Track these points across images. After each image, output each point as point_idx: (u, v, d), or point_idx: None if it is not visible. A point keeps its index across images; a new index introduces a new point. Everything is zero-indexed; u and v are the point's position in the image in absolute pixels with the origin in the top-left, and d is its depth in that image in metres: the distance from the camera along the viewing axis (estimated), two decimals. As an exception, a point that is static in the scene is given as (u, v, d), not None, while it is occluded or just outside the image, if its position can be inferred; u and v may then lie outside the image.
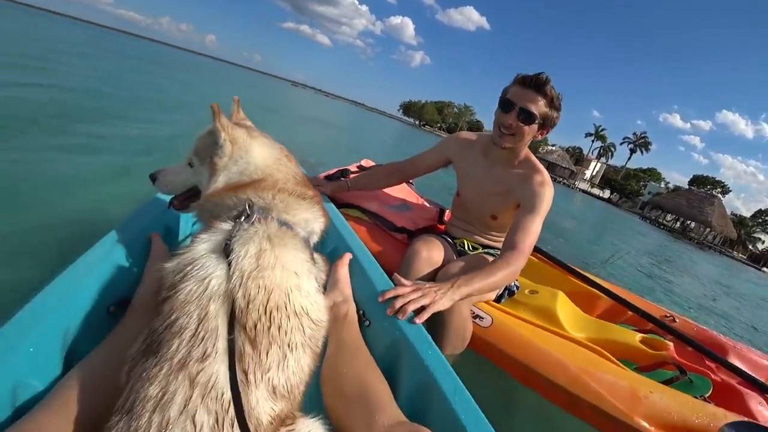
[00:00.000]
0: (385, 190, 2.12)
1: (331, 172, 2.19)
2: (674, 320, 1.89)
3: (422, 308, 1.01)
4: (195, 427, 0.48)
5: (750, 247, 61.55)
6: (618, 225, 20.86)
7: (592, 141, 73.09)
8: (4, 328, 0.65)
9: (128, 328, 0.76)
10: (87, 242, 0.96)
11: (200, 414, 0.49)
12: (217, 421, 0.50)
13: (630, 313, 1.89)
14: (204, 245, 0.67)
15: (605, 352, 1.40)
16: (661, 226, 47.07)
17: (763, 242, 62.70)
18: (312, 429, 0.61)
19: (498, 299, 1.66)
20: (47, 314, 0.71)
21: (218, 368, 0.54)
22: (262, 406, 0.55)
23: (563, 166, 62.89)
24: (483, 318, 1.44)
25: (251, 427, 0.51)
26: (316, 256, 0.83)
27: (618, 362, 1.38)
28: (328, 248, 1.28)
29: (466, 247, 1.73)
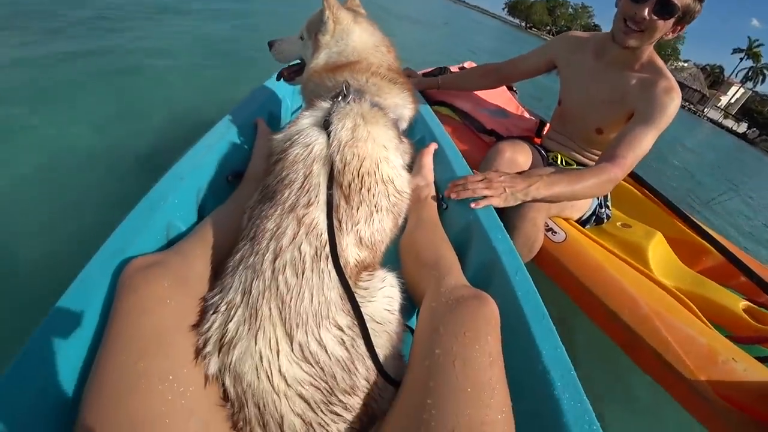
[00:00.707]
0: (483, 94, 2.03)
1: (430, 69, 2.16)
2: None
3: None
4: (300, 254, 0.62)
5: None
6: (749, 168, 15.78)
7: (741, 59, 59.25)
8: (156, 185, 0.83)
9: (243, 192, 0.93)
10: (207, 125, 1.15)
11: (304, 246, 0.63)
12: (316, 253, 0.63)
13: (743, 278, 1.53)
14: (307, 120, 0.79)
15: (692, 305, 1.23)
16: None
17: None
18: (387, 277, 0.73)
19: (583, 223, 1.53)
20: (184, 178, 0.89)
21: (319, 215, 0.67)
22: (350, 250, 0.68)
23: (693, 88, 52.97)
24: (556, 233, 1.36)
25: (341, 262, 0.65)
26: (403, 138, 0.92)
27: (705, 320, 1.20)
28: (415, 137, 1.36)
29: (559, 162, 1.59)
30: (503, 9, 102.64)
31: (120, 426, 0.47)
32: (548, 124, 1.83)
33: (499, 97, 2.11)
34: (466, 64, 2.37)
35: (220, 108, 1.34)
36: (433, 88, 1.89)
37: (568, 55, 1.53)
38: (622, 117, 1.36)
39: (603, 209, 1.55)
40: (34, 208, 1.50)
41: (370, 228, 0.72)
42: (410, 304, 0.77)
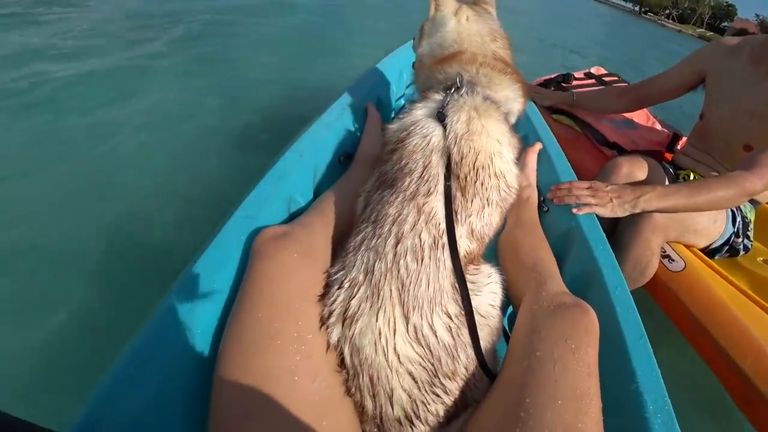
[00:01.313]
0: None
1: (552, 76, 2.10)
2: None
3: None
4: (420, 242, 0.66)
5: None
6: None
7: None
8: (279, 160, 0.92)
9: (354, 173, 1.00)
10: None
11: (424, 233, 0.66)
12: (434, 241, 0.66)
13: None
14: (422, 111, 0.81)
15: None
16: None
17: None
18: (493, 273, 0.76)
19: (711, 253, 1.35)
20: (304, 155, 0.97)
21: (437, 204, 0.70)
22: (463, 240, 0.71)
23: None
24: (674, 261, 1.21)
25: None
26: (513, 132, 0.91)
27: None
28: (520, 133, 1.33)
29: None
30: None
31: (255, 376, 0.54)
32: (683, 139, 1.68)
33: None
34: (593, 70, 2.23)
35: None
36: (566, 104, 1.75)
37: (719, 63, 1.36)
38: None
39: (740, 239, 1.33)
40: (165, 174, 1.75)
41: (481, 221, 0.73)
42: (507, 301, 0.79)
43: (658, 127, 1.93)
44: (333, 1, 6.27)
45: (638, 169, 1.35)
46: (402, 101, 1.73)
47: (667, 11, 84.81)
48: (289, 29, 4.27)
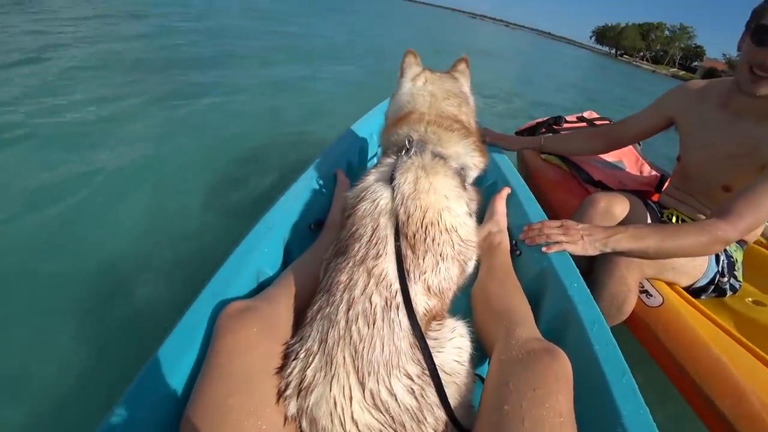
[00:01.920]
0: None
1: (544, 119, 2.12)
2: None
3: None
4: (371, 305, 0.66)
5: None
6: None
7: None
8: (249, 235, 0.95)
9: (323, 241, 1.01)
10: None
11: (375, 296, 0.67)
12: (386, 303, 0.67)
13: None
14: (373, 176, 0.85)
15: None
16: None
17: None
18: (457, 327, 0.75)
19: (696, 292, 1.31)
20: (273, 228, 1.00)
21: (388, 266, 0.70)
22: (419, 299, 0.71)
23: None
24: (652, 296, 1.20)
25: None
26: (468, 186, 0.94)
27: None
28: (487, 182, 1.39)
29: (675, 220, 1.40)
30: (590, 38, 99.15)
31: None
32: (669, 180, 1.67)
33: None
34: (585, 114, 2.23)
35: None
36: (533, 147, 1.75)
37: (688, 108, 1.37)
38: (754, 170, 1.19)
39: (726, 278, 1.29)
40: (138, 232, 1.73)
41: (437, 276, 0.74)
42: (482, 353, 0.78)
43: (647, 168, 1.95)
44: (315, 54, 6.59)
45: (617, 205, 1.32)
46: (375, 162, 1.79)
47: (641, 53, 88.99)
48: (272, 83, 4.42)
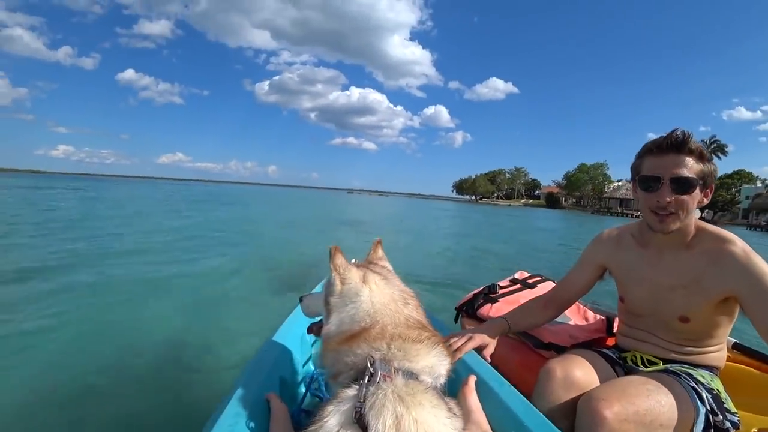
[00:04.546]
0: None
1: (478, 290, 2.08)
2: None
3: None
4: None
5: None
6: None
7: None
8: None
9: None
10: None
11: None
12: None
13: None
14: (334, 419, 0.65)
15: None
16: None
17: None
18: None
19: None
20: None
21: None
22: None
23: (631, 198, 60.86)
24: None
25: None
26: (450, 403, 0.77)
27: None
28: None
29: (639, 362, 1.34)
30: (452, 191, 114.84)
31: None
32: (617, 320, 1.61)
33: None
34: (517, 275, 2.26)
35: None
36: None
37: (613, 253, 1.42)
38: (710, 301, 1.19)
39: (720, 416, 1.14)
40: None
41: None
42: None
43: (591, 314, 1.91)
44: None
45: (575, 369, 1.22)
46: (311, 366, 1.51)
47: (495, 194, 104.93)
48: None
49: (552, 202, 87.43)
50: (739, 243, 1.17)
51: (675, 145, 1.16)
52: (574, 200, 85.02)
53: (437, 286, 5.05)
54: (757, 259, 1.12)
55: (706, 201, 1.21)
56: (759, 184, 64.39)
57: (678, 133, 1.16)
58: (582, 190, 79.10)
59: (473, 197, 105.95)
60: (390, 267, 1.06)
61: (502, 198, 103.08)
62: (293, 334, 1.46)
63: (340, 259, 0.90)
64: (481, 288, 2.10)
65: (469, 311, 2.00)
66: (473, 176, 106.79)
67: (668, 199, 1.15)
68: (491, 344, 1.36)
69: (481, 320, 1.85)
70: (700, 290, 1.19)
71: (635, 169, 1.25)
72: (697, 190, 1.17)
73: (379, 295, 0.89)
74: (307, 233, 9.44)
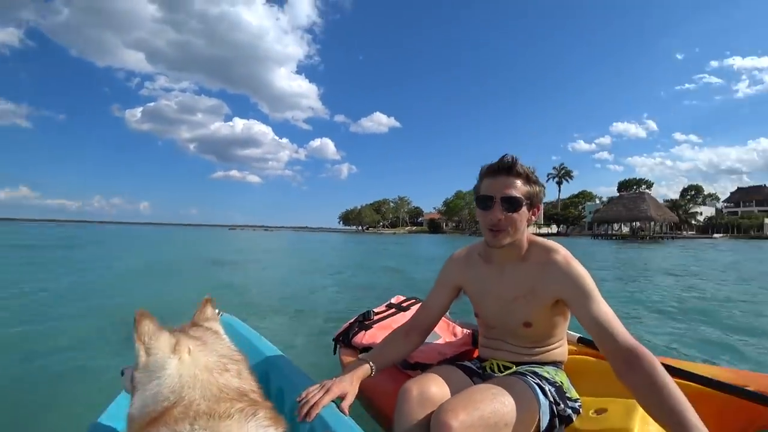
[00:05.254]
0: None
1: (352, 320, 2.07)
2: None
3: None
4: None
5: (693, 222, 67.90)
6: (575, 251, 21.51)
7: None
8: None
9: None
10: None
11: None
12: None
13: None
14: None
15: None
16: (613, 237, 51.95)
17: (701, 213, 69.88)
18: None
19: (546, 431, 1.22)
20: None
21: None
22: None
23: None
24: None
25: None
26: None
27: None
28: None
29: (496, 369, 1.44)
30: (339, 222, 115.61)
31: None
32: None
33: None
34: (393, 300, 2.30)
35: None
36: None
37: (465, 273, 1.53)
38: (546, 305, 1.35)
39: (562, 406, 1.27)
40: None
41: None
42: None
43: (459, 329, 1.97)
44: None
45: (430, 384, 1.25)
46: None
47: (381, 223, 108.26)
48: None
49: (434, 227, 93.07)
50: (561, 252, 1.33)
51: (505, 168, 1.29)
52: (453, 224, 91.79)
53: (319, 318, 4.88)
54: (576, 265, 1.29)
55: (534, 219, 1.35)
56: (597, 201, 79.64)
57: (507, 158, 1.30)
58: (460, 215, 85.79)
59: (360, 227, 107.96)
60: (218, 328, 0.96)
61: (387, 227, 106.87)
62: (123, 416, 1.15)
63: (146, 326, 0.79)
64: (356, 316, 2.09)
65: (345, 341, 1.99)
66: (359, 207, 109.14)
67: (499, 216, 1.28)
68: (351, 392, 1.28)
69: (356, 349, 1.89)
70: (536, 297, 1.34)
71: (476, 190, 1.37)
72: (525, 209, 1.30)
73: (189, 365, 0.79)
74: (173, 278, 8.48)
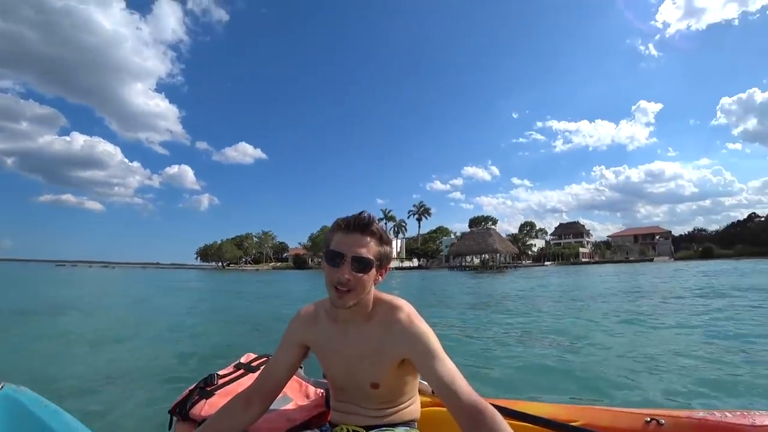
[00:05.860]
0: None
1: (192, 386, 1.69)
2: (660, 424, 1.33)
3: None
4: None
5: (529, 252, 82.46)
6: (433, 283, 24.27)
7: (385, 223, 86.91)
8: None
9: None
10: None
11: None
12: None
13: None
14: None
15: None
16: (466, 268, 58.07)
17: (534, 245, 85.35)
18: None
19: None
20: None
21: None
22: None
23: None
24: None
25: None
26: None
27: None
28: None
29: None
30: (196, 258, 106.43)
31: None
32: None
33: None
34: (243, 359, 1.96)
35: None
36: None
37: (311, 330, 1.43)
38: (393, 364, 1.30)
39: None
40: None
41: None
42: None
43: (312, 389, 1.78)
44: None
45: None
46: None
47: (244, 259, 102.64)
48: None
49: (299, 263, 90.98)
50: (405, 309, 1.30)
51: (360, 226, 1.24)
52: (319, 260, 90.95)
53: (155, 382, 4.14)
54: (419, 323, 1.27)
55: (381, 279, 1.31)
56: (452, 236, 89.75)
57: (365, 215, 1.25)
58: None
59: (219, 264, 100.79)
60: None
61: (250, 263, 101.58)
62: None
63: None
64: (197, 382, 1.74)
65: (182, 413, 1.64)
66: (219, 241, 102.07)
67: (348, 276, 1.21)
68: None
69: (194, 422, 1.55)
70: (381, 358, 1.29)
71: (326, 242, 1.29)
72: (374, 270, 1.25)
73: None
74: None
